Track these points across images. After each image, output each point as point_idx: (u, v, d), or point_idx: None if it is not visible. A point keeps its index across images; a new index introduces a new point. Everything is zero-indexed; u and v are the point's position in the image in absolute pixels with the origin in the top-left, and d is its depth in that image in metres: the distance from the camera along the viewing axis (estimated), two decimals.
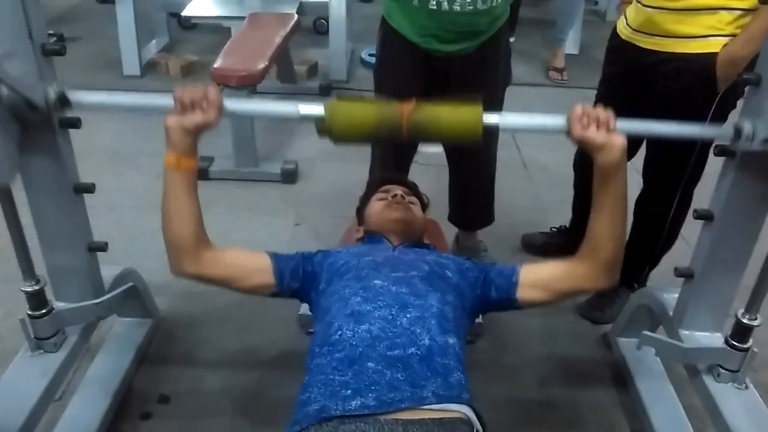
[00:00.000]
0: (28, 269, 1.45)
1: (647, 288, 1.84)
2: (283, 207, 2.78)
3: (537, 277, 1.40)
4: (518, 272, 1.40)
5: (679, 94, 1.75)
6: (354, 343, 1.21)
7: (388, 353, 1.18)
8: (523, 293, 1.39)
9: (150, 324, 2.00)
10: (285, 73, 3.91)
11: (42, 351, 1.53)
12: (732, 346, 1.48)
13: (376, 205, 1.65)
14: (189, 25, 5.05)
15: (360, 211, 1.76)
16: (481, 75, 1.92)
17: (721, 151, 1.43)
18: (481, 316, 1.98)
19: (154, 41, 4.39)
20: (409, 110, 1.27)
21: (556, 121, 1.27)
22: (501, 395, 1.85)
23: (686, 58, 1.72)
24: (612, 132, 1.23)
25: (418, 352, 1.19)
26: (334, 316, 1.29)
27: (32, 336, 1.51)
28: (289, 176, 2.96)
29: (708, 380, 1.53)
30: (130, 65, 4.04)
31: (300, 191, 2.91)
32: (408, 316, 1.25)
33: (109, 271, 1.71)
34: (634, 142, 1.95)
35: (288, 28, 3.31)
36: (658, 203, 1.97)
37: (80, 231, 1.54)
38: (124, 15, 3.92)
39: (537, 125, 1.34)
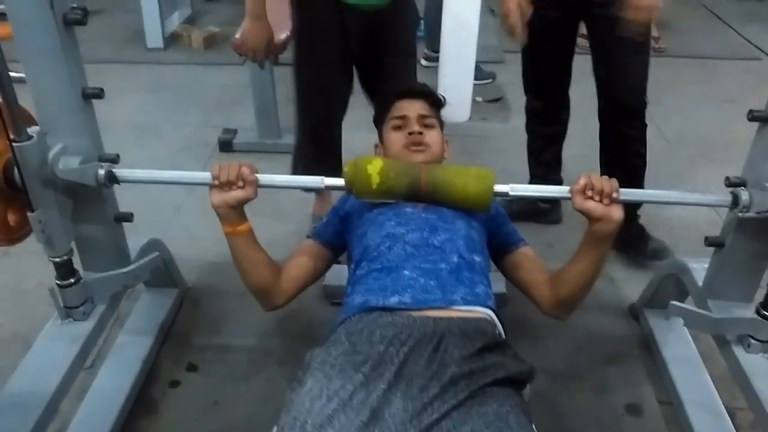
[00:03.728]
0: None
1: (675, 259, 1.80)
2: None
3: (523, 264, 1.51)
4: (519, 246, 1.54)
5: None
6: (390, 258, 1.35)
7: (422, 265, 1.32)
8: (506, 263, 1.54)
9: (176, 294, 2.03)
10: None
11: (71, 319, 1.55)
12: (763, 316, 1.45)
13: (393, 138, 1.59)
14: None
15: (376, 124, 1.72)
16: (398, 26, 1.95)
17: (755, 117, 1.39)
18: (505, 287, 1.99)
19: (176, 13, 4.38)
20: (424, 179, 1.41)
21: (560, 191, 1.37)
22: None
23: None
24: (612, 204, 1.27)
25: (448, 267, 1.33)
26: (370, 237, 1.41)
27: (61, 305, 1.53)
28: None
29: (738, 351, 1.51)
30: (153, 38, 4.05)
31: None
32: (438, 237, 1.38)
33: (135, 241, 1.73)
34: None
35: None
36: (630, 119, 2.07)
37: (106, 201, 1.55)
38: None
39: (542, 193, 1.46)
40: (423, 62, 3.73)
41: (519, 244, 1.54)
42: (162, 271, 1.93)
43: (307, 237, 1.58)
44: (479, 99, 3.44)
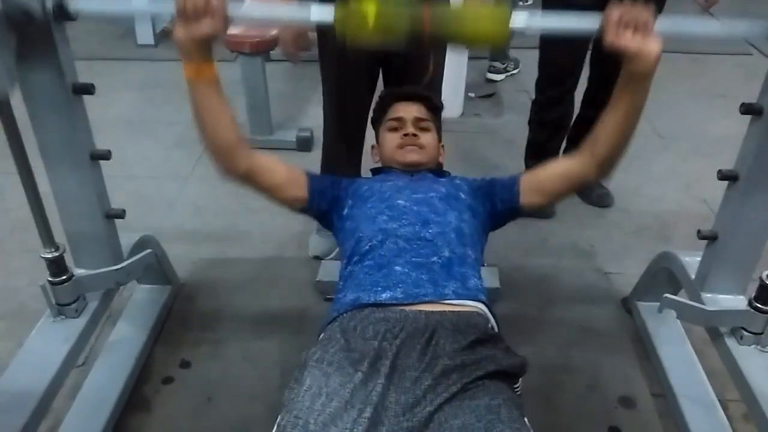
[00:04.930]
0: (46, 236, 1.45)
1: (668, 252, 1.81)
2: None
3: (536, 182, 1.46)
4: (519, 182, 1.47)
5: None
6: (382, 253, 1.34)
7: (413, 260, 1.32)
8: (525, 199, 1.46)
9: (170, 290, 2.02)
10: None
11: (63, 317, 1.54)
12: (756, 309, 1.46)
13: (388, 138, 1.62)
14: None
15: (374, 125, 1.75)
16: None
17: (747, 109, 1.39)
18: (499, 281, 2.00)
19: None
20: (429, 13, 1.17)
21: (590, 23, 1.16)
22: None
23: None
24: (648, 37, 1.14)
25: (439, 261, 1.32)
26: (363, 232, 1.40)
27: (53, 302, 1.52)
28: (304, 144, 2.94)
29: (731, 343, 1.51)
30: (144, 34, 4.03)
31: (315, 159, 2.85)
32: (430, 231, 1.37)
33: (127, 238, 1.72)
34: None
35: None
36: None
37: (97, 198, 1.54)
38: None
39: (568, 27, 1.22)
40: (488, 75, 3.69)
41: (517, 178, 1.48)
42: (155, 268, 1.92)
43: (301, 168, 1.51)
44: (472, 95, 3.44)
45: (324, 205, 1.50)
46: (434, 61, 1.96)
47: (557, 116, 2.39)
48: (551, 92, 2.34)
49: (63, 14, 1.22)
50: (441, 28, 1.19)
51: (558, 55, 2.25)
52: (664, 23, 1.15)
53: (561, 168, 1.43)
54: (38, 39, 1.28)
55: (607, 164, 1.35)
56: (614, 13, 1.13)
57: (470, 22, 1.19)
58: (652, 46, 1.14)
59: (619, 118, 1.27)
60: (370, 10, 1.17)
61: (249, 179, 1.41)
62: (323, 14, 1.20)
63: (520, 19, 1.17)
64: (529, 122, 2.44)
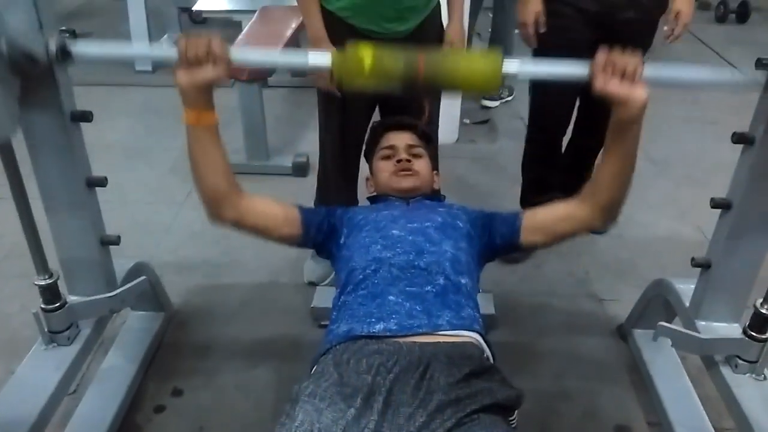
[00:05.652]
0: (41, 263, 1.45)
1: (663, 279, 1.81)
2: (294, 200, 2.76)
3: (538, 221, 1.46)
4: (521, 219, 1.47)
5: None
6: (376, 281, 1.34)
7: (407, 289, 1.31)
8: (525, 237, 1.46)
9: (163, 317, 2.01)
10: None
11: (55, 344, 1.53)
12: (750, 337, 1.46)
13: (382, 166, 1.64)
14: (200, 19, 5.05)
15: (367, 158, 1.77)
16: None
17: (739, 138, 1.40)
18: (494, 308, 1.99)
19: (165, 36, 4.39)
20: (423, 60, 1.21)
21: (579, 69, 1.21)
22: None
23: None
24: (636, 85, 1.16)
25: (434, 290, 1.32)
26: (357, 261, 1.40)
27: (46, 330, 1.51)
28: (301, 169, 2.95)
29: (725, 371, 1.51)
30: (142, 60, 4.05)
31: (311, 184, 2.87)
32: (424, 259, 1.37)
33: (121, 264, 1.71)
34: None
35: (298, 21, 3.29)
36: (593, 135, 2.12)
37: (93, 225, 1.54)
38: (136, 11, 3.95)
39: (558, 74, 1.28)
40: (483, 101, 3.68)
41: (519, 215, 1.48)
42: (148, 295, 1.91)
43: (293, 204, 1.52)
44: (467, 121, 3.47)
45: (320, 237, 1.50)
46: (430, 106, 1.98)
47: (544, 157, 2.38)
48: (541, 136, 2.35)
49: (66, 57, 1.24)
50: (435, 74, 1.23)
51: (547, 100, 2.25)
52: (652, 70, 1.18)
53: (565, 210, 1.43)
54: (41, 79, 1.30)
55: (611, 209, 1.37)
56: (603, 60, 1.16)
57: (463, 69, 1.23)
58: (639, 93, 1.17)
59: (615, 165, 1.31)
60: (367, 55, 1.21)
61: (238, 226, 1.42)
62: (321, 59, 1.25)
63: (511, 66, 1.22)
64: (523, 166, 2.43)
